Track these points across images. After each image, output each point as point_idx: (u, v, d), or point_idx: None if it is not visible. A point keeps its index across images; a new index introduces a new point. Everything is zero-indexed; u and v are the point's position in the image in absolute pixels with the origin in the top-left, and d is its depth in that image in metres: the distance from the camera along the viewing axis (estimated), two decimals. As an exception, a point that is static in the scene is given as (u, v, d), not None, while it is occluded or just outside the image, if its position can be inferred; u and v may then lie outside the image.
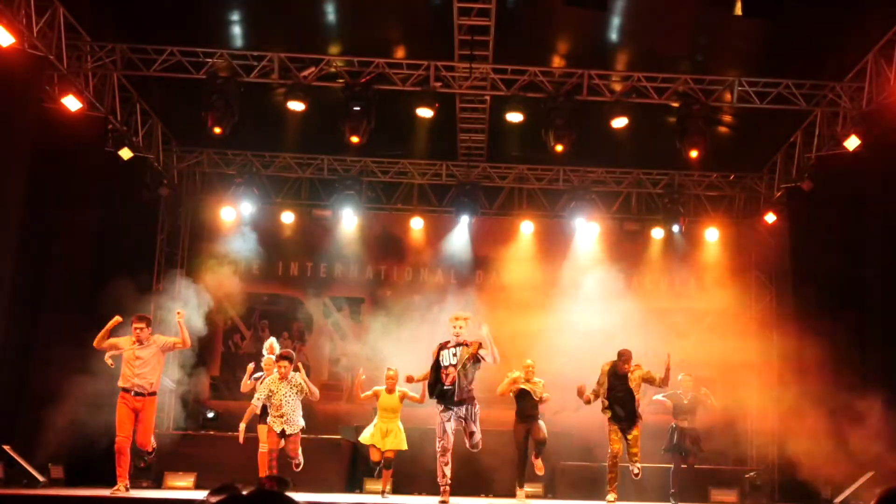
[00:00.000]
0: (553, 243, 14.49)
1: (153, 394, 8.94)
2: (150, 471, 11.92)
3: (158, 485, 11.78)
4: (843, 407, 10.58)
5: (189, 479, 11.42)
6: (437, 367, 8.61)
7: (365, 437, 10.02)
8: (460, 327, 8.55)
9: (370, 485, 11.15)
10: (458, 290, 14.01)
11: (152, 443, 9.03)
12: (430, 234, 14.56)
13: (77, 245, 11.47)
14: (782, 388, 12.81)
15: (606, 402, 9.58)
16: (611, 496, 9.37)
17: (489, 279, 14.62)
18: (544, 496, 10.65)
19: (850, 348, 11.20)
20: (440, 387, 8.53)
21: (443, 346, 8.66)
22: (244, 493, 2.89)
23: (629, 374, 9.51)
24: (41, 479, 10.21)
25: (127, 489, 8.71)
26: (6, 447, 10.12)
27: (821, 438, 10.97)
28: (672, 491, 10.24)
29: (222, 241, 14.22)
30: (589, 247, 14.37)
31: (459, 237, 14.43)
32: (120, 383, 8.87)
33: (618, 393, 9.54)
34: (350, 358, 13.97)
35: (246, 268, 14.47)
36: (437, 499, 8.75)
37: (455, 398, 8.46)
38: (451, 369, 8.49)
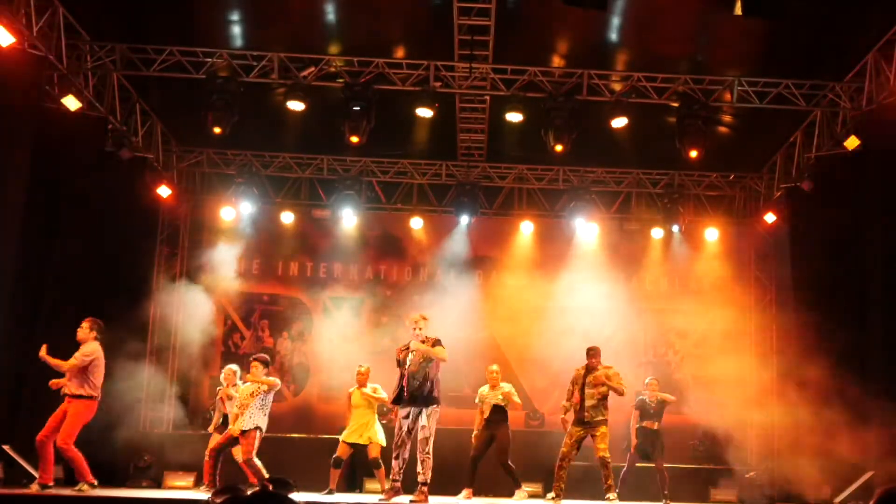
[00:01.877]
0: (553, 243, 14.47)
1: (76, 396, 8.63)
2: (150, 470, 11.94)
3: (158, 485, 11.79)
4: (843, 406, 10.58)
5: (189, 479, 11.42)
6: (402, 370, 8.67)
7: (342, 434, 10.07)
8: (420, 328, 8.58)
9: (370, 485, 11.16)
10: (458, 290, 14.00)
11: (72, 448, 8.61)
12: (430, 234, 14.55)
13: (77, 245, 11.46)
14: (782, 388, 12.81)
15: (568, 406, 9.58)
16: (550, 495, 9.47)
17: (489, 279, 14.61)
18: (544, 495, 10.63)
19: (851, 348, 11.20)
20: (400, 387, 8.62)
21: (407, 349, 8.69)
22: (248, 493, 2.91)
23: (596, 372, 9.52)
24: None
25: (42, 488, 8.43)
26: (6, 447, 10.12)
27: (820, 438, 10.98)
28: (617, 490, 9.96)
29: (222, 240, 14.22)
30: (589, 247, 14.36)
31: (459, 237, 14.43)
32: None
33: (586, 396, 9.53)
34: (349, 358, 13.95)
35: (246, 268, 14.47)
36: (441, 498, 8.75)
37: (407, 397, 8.48)
38: (404, 370, 8.56)
